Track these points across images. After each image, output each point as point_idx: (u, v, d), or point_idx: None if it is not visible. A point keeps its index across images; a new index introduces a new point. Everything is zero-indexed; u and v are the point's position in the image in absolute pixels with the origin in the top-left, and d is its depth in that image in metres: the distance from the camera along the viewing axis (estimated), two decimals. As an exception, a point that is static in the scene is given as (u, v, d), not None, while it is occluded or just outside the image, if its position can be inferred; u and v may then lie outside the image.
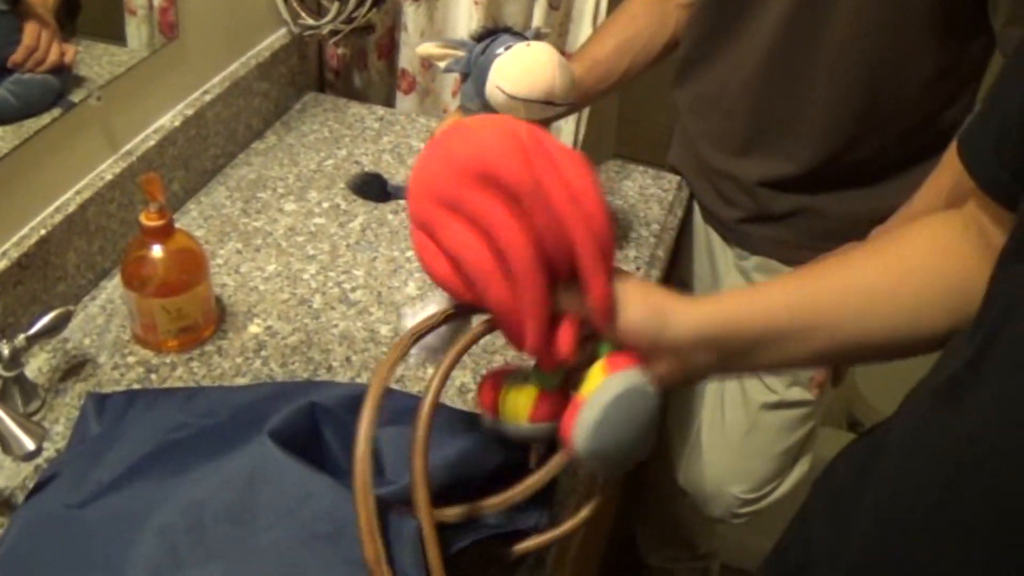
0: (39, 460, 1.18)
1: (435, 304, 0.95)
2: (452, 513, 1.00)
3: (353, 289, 1.49)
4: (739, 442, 1.92)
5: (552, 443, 0.95)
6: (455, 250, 0.85)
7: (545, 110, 1.31)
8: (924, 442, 0.82)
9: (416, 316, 0.95)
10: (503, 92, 1.30)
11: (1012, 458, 0.71)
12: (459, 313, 0.93)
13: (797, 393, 1.83)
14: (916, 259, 0.93)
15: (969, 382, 0.78)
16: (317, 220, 1.63)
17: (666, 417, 2.10)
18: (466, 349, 0.90)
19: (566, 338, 0.87)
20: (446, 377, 0.88)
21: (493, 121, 0.87)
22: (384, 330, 1.42)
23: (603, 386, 0.87)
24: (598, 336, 0.90)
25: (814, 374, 1.81)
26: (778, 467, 1.94)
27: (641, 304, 0.88)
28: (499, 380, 0.99)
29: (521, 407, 0.95)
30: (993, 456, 0.72)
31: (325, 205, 1.66)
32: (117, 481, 1.07)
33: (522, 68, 1.30)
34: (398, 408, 1.17)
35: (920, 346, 0.93)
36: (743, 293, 0.94)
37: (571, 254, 0.85)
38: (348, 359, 1.37)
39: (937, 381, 0.84)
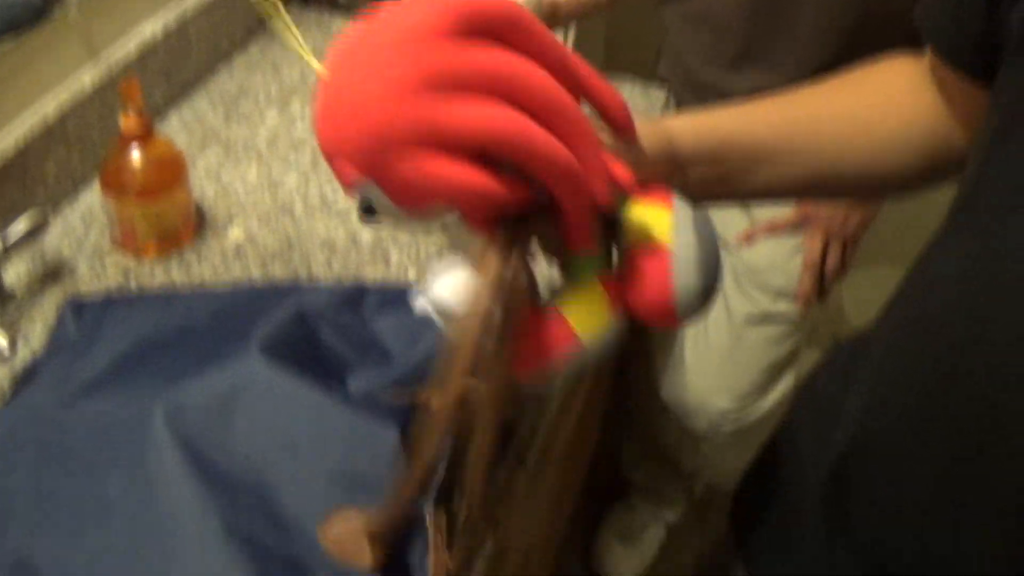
0: (16, 366, 1.18)
1: (458, 259, 0.79)
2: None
3: (335, 196, 1.48)
4: (722, 356, 1.92)
5: None
6: (471, 128, 0.66)
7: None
8: (907, 338, 0.82)
9: (451, 275, 0.78)
10: None
11: (985, 341, 0.71)
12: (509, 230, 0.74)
13: (782, 307, 1.82)
14: (890, 95, 0.93)
15: (941, 257, 0.79)
16: (299, 128, 1.61)
17: (650, 330, 2.09)
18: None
19: (621, 169, 0.74)
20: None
21: None
22: (365, 235, 1.41)
23: (676, 217, 0.75)
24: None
25: (799, 288, 1.81)
26: (762, 382, 1.93)
27: (645, 129, 0.80)
28: (541, 319, 0.77)
29: (597, 309, 0.76)
30: (971, 342, 0.72)
31: (308, 114, 1.65)
32: (99, 382, 1.07)
33: None
34: (390, 298, 1.17)
35: (892, 183, 0.93)
36: (729, 112, 0.89)
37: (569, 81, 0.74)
38: (329, 263, 1.36)
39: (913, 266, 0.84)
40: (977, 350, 0.72)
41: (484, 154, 0.67)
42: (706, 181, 0.87)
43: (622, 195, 0.77)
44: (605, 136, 0.74)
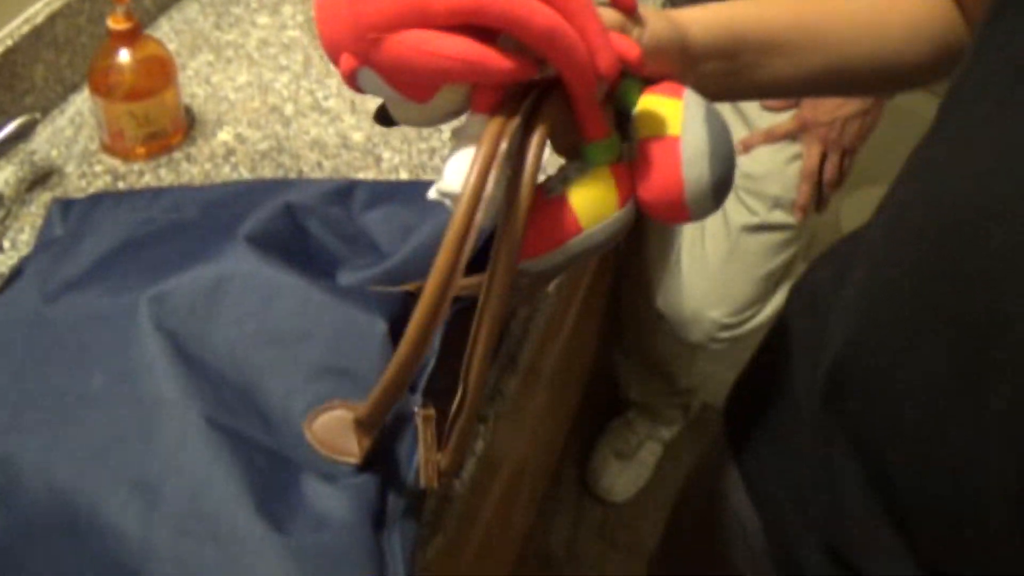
0: (3, 269, 1.17)
1: (468, 132, 0.76)
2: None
3: (326, 97, 1.47)
4: (719, 265, 1.91)
5: None
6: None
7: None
8: (905, 222, 0.81)
9: (455, 159, 0.76)
10: None
11: (987, 217, 0.70)
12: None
13: (779, 216, 1.82)
14: None
15: (937, 147, 0.78)
16: (290, 32, 1.59)
17: (646, 240, 2.09)
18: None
19: (626, 44, 0.72)
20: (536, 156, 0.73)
21: None
22: (357, 136, 1.40)
23: (687, 107, 0.74)
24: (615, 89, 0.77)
25: (797, 197, 1.80)
26: (758, 292, 1.93)
27: (655, 16, 0.78)
28: (547, 204, 0.77)
29: (604, 197, 0.76)
30: (972, 220, 0.71)
31: (299, 18, 1.63)
32: (85, 277, 1.06)
33: None
34: (380, 194, 1.15)
35: (903, 74, 0.93)
36: (743, 3, 0.87)
37: None
38: (319, 164, 1.35)
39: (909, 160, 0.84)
40: (979, 227, 0.71)
41: (479, 28, 0.67)
42: (717, 75, 0.85)
43: (632, 81, 0.77)
44: (607, 13, 0.74)
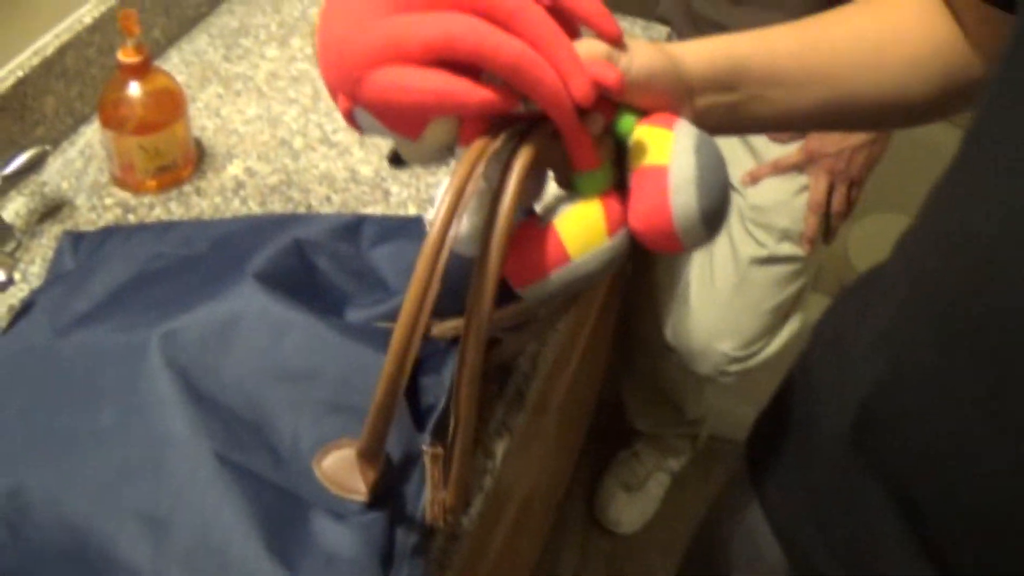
0: (13, 302, 1.17)
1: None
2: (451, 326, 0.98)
3: (335, 131, 1.47)
4: (728, 297, 1.91)
5: None
6: (423, 35, 0.69)
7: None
8: (927, 262, 0.81)
9: (440, 191, 0.75)
10: None
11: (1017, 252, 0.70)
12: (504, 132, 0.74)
13: (787, 248, 1.82)
14: (904, 21, 0.91)
15: (961, 182, 0.78)
16: (300, 65, 1.60)
17: (655, 272, 2.09)
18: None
19: (605, 70, 0.72)
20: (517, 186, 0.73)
21: None
22: (366, 170, 1.40)
23: (677, 137, 0.74)
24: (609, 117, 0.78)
25: (804, 229, 1.80)
26: (767, 324, 1.93)
27: (647, 47, 0.79)
28: (537, 234, 0.78)
29: (592, 227, 0.77)
30: (1002, 257, 0.71)
31: (308, 51, 1.63)
32: (96, 312, 1.06)
33: None
34: (388, 229, 1.16)
35: (908, 109, 0.92)
36: (745, 36, 0.87)
37: None
38: (328, 198, 1.35)
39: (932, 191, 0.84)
40: (1009, 262, 0.71)
41: (453, 63, 0.70)
42: (716, 108, 0.85)
43: (628, 112, 0.77)
44: (593, 43, 0.75)
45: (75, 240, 1.20)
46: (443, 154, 0.79)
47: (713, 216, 0.74)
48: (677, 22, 1.78)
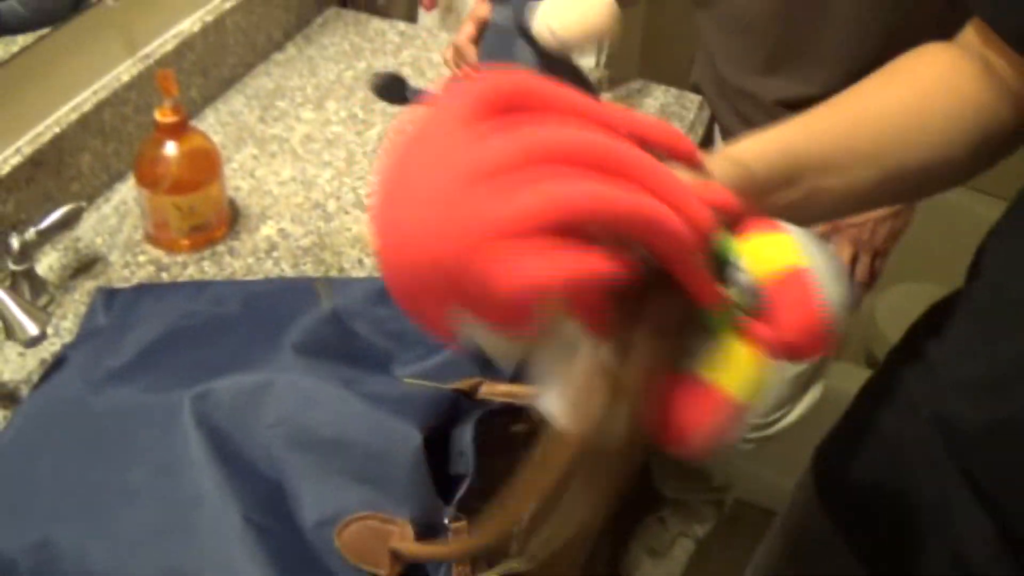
0: (45, 355, 1.19)
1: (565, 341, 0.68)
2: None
3: (368, 194, 1.48)
4: (751, 365, 1.90)
5: None
6: (538, 209, 0.57)
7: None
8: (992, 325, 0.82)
9: (555, 391, 0.69)
10: (552, 32, 1.32)
11: None
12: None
13: (810, 316, 1.81)
14: (938, 80, 0.91)
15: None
16: (334, 128, 1.61)
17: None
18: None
19: (718, 193, 0.67)
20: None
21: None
22: (397, 234, 1.40)
23: (796, 236, 0.68)
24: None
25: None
26: (788, 393, 1.92)
27: (716, 160, 0.74)
28: (692, 390, 0.68)
29: (747, 364, 0.68)
30: None
31: (343, 114, 1.65)
32: (129, 369, 1.08)
33: (578, 12, 1.31)
34: None
35: (952, 170, 0.91)
36: (792, 127, 0.84)
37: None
38: (360, 261, 1.36)
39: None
40: None
41: (566, 232, 0.58)
42: (781, 207, 0.81)
43: (727, 237, 0.69)
44: (679, 172, 0.68)
45: (108, 296, 1.21)
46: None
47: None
48: (708, 91, 1.79)
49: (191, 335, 1.11)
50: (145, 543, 0.93)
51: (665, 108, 1.76)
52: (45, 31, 1.29)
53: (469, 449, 0.97)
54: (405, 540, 0.90)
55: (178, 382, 1.03)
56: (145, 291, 1.22)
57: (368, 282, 1.20)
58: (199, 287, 1.21)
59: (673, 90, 1.81)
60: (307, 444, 0.97)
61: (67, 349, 1.13)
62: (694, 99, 1.79)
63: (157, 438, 0.99)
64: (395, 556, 0.89)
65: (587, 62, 1.90)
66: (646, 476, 2.59)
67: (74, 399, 1.05)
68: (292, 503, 0.95)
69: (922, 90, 0.91)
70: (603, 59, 2.03)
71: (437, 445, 0.98)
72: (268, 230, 1.41)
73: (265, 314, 1.14)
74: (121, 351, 1.10)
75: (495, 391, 0.97)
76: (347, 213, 1.45)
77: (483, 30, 1.51)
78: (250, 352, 1.06)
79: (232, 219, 1.42)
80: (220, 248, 1.37)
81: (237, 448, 0.98)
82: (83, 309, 1.25)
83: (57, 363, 1.11)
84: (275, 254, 1.37)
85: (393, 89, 1.67)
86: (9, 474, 1.00)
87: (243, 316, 1.15)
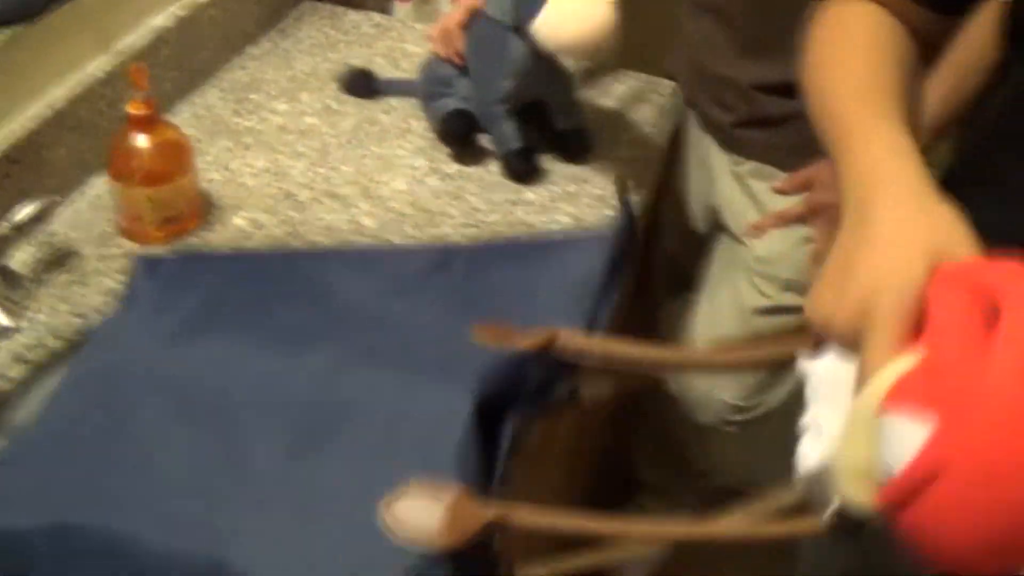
0: (19, 349, 1.21)
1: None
2: None
3: (341, 184, 1.49)
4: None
5: None
6: None
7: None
8: None
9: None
10: (554, 39, 1.37)
11: None
12: None
13: (791, 299, 1.82)
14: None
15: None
16: (308, 120, 1.62)
17: (659, 321, 2.10)
18: None
19: None
20: None
21: None
22: (369, 222, 1.42)
23: None
24: None
25: (807, 280, 1.80)
26: (770, 375, 1.93)
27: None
28: None
29: None
30: None
31: (317, 106, 1.66)
32: (187, 332, 1.13)
33: (582, 21, 1.34)
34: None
35: None
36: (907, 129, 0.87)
37: None
38: (331, 249, 1.37)
39: None
40: None
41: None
42: None
43: None
44: None
45: (149, 264, 1.25)
46: None
47: None
48: (684, 78, 1.80)
49: (240, 311, 1.18)
50: (194, 503, 0.99)
51: (639, 94, 1.76)
52: (19, 27, 1.30)
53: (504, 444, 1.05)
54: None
55: (229, 360, 1.09)
56: (189, 260, 1.28)
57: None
58: (255, 257, 1.31)
59: (644, 76, 1.81)
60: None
61: (110, 320, 1.19)
62: (668, 85, 1.80)
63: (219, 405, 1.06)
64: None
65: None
66: (625, 462, 2.59)
67: (116, 369, 1.10)
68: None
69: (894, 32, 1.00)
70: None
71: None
72: (241, 220, 1.42)
73: (313, 283, 1.23)
74: (166, 324, 1.15)
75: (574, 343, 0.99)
76: (320, 203, 1.46)
77: (473, 17, 1.52)
78: (316, 328, 1.14)
79: (205, 210, 1.42)
80: (193, 239, 1.38)
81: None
82: (58, 303, 1.26)
83: (103, 332, 1.17)
84: (248, 243, 1.38)
85: (360, 84, 1.68)
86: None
87: (283, 274, 1.24)
